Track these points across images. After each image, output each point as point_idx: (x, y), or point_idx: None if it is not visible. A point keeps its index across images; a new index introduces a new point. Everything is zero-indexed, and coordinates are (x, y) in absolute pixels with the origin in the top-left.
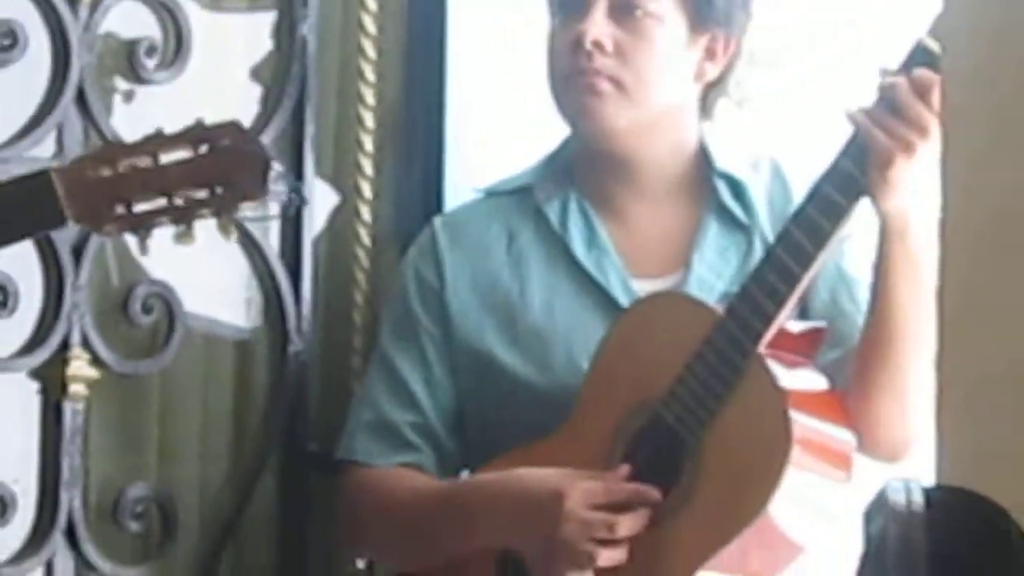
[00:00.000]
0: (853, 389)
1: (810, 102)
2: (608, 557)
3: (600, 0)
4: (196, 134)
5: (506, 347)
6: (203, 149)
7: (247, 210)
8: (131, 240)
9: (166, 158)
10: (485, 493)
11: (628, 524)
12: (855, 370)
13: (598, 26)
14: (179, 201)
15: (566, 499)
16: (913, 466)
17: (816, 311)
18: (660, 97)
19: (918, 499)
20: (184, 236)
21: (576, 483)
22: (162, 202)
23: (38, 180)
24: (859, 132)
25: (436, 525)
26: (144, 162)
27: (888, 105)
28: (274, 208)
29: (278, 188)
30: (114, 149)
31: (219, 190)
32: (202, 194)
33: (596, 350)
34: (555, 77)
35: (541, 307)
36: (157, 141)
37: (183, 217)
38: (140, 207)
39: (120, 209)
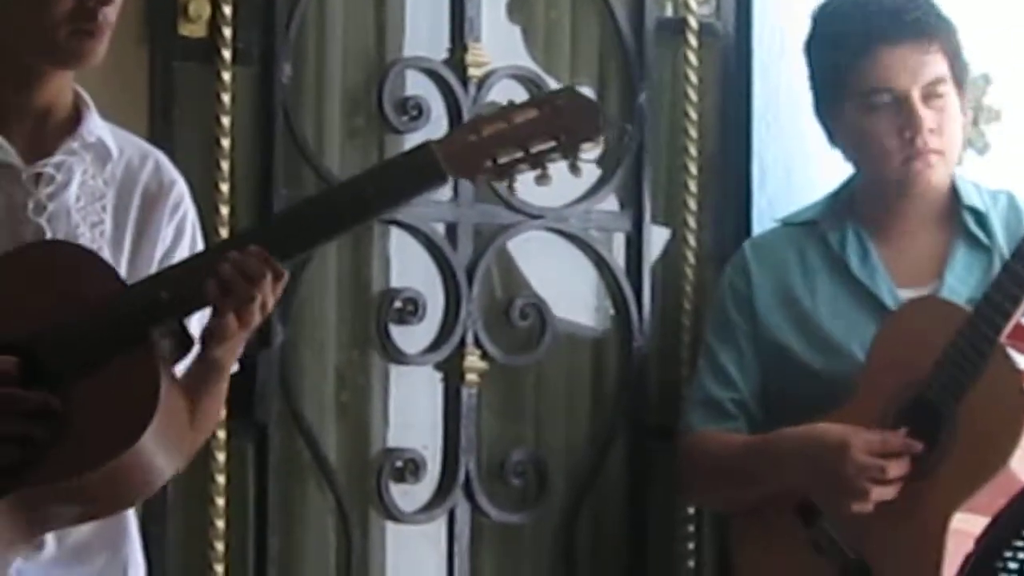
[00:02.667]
0: None
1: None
2: (880, 493)
3: (916, 93)
4: (539, 99)
5: (799, 340)
6: (546, 109)
7: (587, 152)
8: (512, 259)
9: (518, 120)
10: (788, 443)
11: (896, 468)
12: None
13: (925, 116)
14: (533, 150)
15: (850, 447)
16: None
17: None
18: (956, 158)
19: None
20: (542, 178)
21: (858, 434)
22: (519, 154)
23: (422, 151)
24: None
25: (749, 471)
26: (501, 126)
27: None
28: (606, 146)
29: (610, 130)
30: (477, 120)
31: (563, 138)
32: (550, 143)
33: (872, 343)
34: (884, 161)
35: (826, 310)
36: (509, 109)
37: (537, 162)
38: (503, 159)
39: (488, 163)
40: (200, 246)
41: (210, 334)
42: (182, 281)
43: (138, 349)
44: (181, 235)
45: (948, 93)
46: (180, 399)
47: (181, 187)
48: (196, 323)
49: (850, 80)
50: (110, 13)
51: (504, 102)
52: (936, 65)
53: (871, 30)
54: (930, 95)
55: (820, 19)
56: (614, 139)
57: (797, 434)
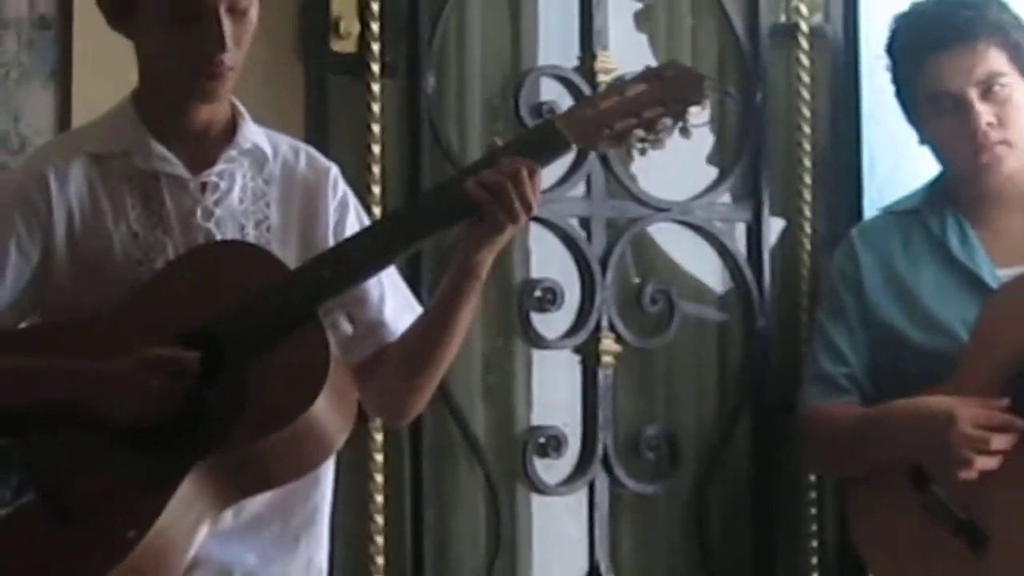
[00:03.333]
0: None
1: None
2: (983, 463)
3: (972, 92)
4: (647, 73)
5: (905, 319)
6: (654, 82)
7: (695, 117)
8: (642, 249)
9: (629, 93)
10: (900, 414)
11: (999, 442)
12: None
13: (984, 112)
14: (646, 116)
15: (956, 419)
16: None
17: None
18: None
19: None
20: (655, 143)
21: (965, 407)
22: (633, 120)
23: (546, 125)
24: None
25: (864, 441)
26: (615, 99)
27: None
28: (705, 113)
29: (714, 95)
30: (593, 96)
31: (671, 104)
32: (660, 109)
33: (976, 319)
34: (957, 157)
35: (929, 291)
36: (621, 84)
37: (651, 127)
38: (618, 127)
39: (606, 132)
40: (364, 217)
41: (477, 239)
42: (342, 259)
43: (307, 326)
44: (346, 210)
45: (1009, 84)
46: (347, 373)
47: (335, 170)
48: (390, 310)
49: (915, 90)
50: (229, 59)
51: None
52: (989, 62)
53: (919, 41)
54: (988, 90)
55: (891, 33)
56: (720, 101)
57: (908, 406)
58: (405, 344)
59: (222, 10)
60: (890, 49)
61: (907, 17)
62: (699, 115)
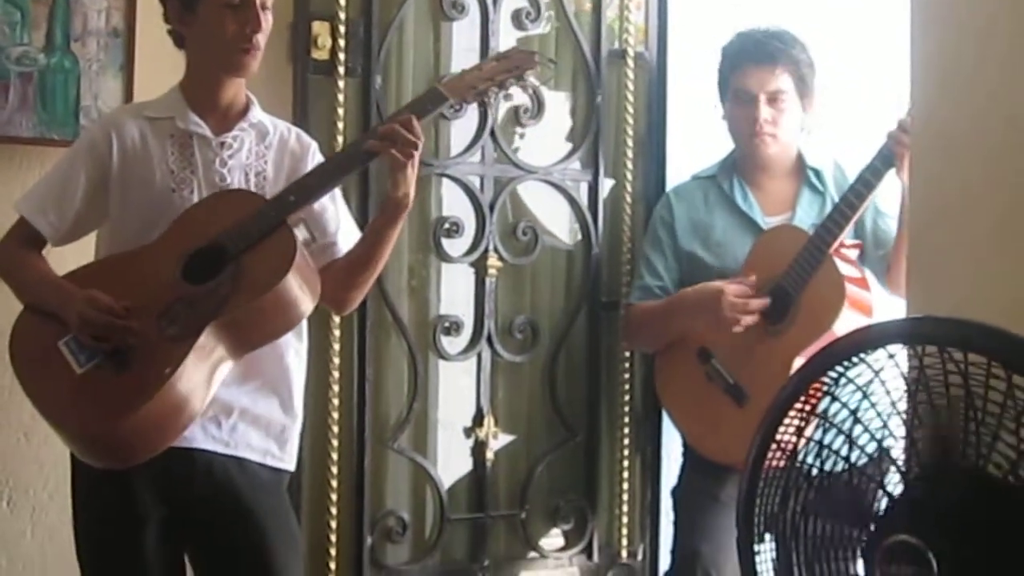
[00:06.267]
0: (893, 265)
1: (843, 131)
2: (746, 321)
3: (762, 96)
4: (498, 55)
5: (703, 249)
6: (503, 59)
7: (532, 77)
8: (518, 198)
9: (487, 67)
10: (686, 293)
11: (755, 304)
12: (894, 257)
13: (765, 111)
14: (498, 79)
15: (723, 291)
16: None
17: (866, 230)
18: (789, 137)
19: None
20: (506, 96)
21: (728, 284)
22: (489, 83)
23: (432, 88)
24: (889, 144)
25: (664, 319)
26: (476, 72)
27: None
28: (545, 75)
29: (544, 65)
30: (463, 71)
31: (514, 71)
32: (506, 75)
33: (750, 250)
34: (741, 135)
35: (720, 229)
36: (481, 63)
37: (502, 86)
38: (480, 87)
39: (472, 90)
40: None
41: (394, 180)
42: (301, 188)
43: (280, 230)
44: None
45: (787, 99)
46: (310, 261)
47: (315, 146)
48: (341, 236)
49: (728, 85)
50: (260, 39)
51: (514, 101)
52: (778, 81)
53: (741, 53)
54: (772, 99)
55: (722, 50)
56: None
57: (692, 288)
58: (349, 257)
59: (258, 4)
60: (724, 51)
61: (742, 35)
62: (532, 75)
